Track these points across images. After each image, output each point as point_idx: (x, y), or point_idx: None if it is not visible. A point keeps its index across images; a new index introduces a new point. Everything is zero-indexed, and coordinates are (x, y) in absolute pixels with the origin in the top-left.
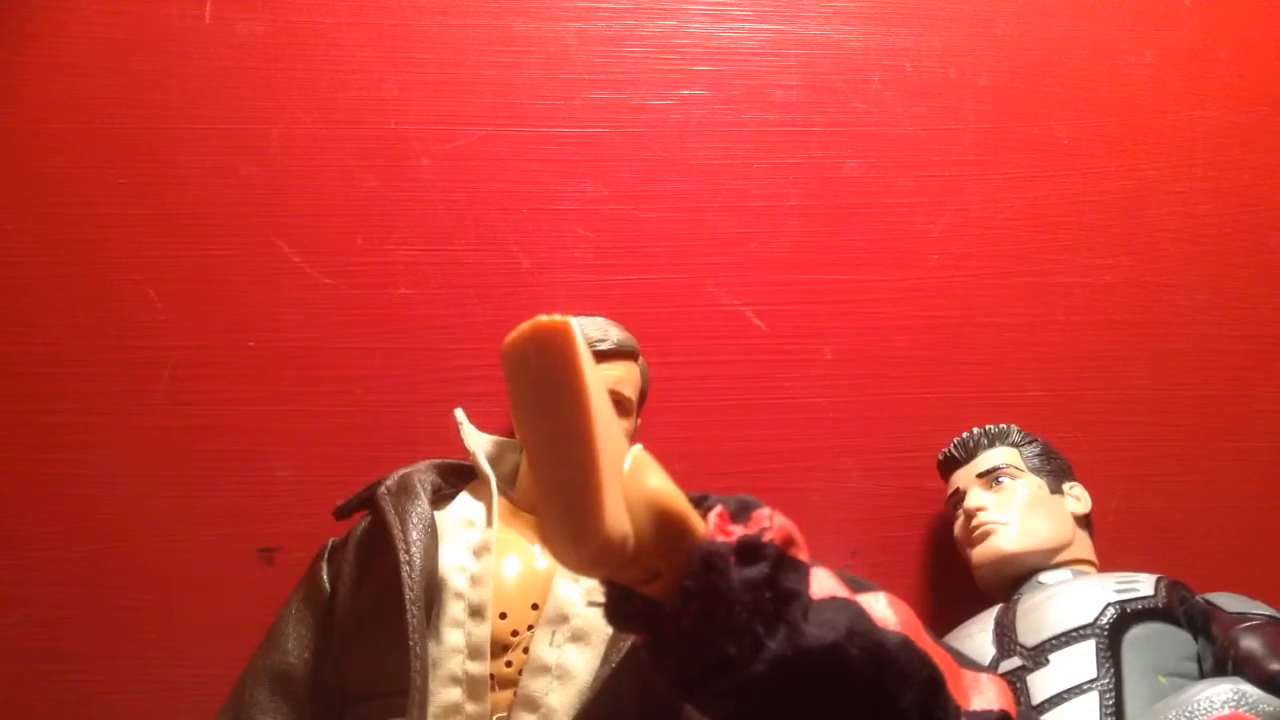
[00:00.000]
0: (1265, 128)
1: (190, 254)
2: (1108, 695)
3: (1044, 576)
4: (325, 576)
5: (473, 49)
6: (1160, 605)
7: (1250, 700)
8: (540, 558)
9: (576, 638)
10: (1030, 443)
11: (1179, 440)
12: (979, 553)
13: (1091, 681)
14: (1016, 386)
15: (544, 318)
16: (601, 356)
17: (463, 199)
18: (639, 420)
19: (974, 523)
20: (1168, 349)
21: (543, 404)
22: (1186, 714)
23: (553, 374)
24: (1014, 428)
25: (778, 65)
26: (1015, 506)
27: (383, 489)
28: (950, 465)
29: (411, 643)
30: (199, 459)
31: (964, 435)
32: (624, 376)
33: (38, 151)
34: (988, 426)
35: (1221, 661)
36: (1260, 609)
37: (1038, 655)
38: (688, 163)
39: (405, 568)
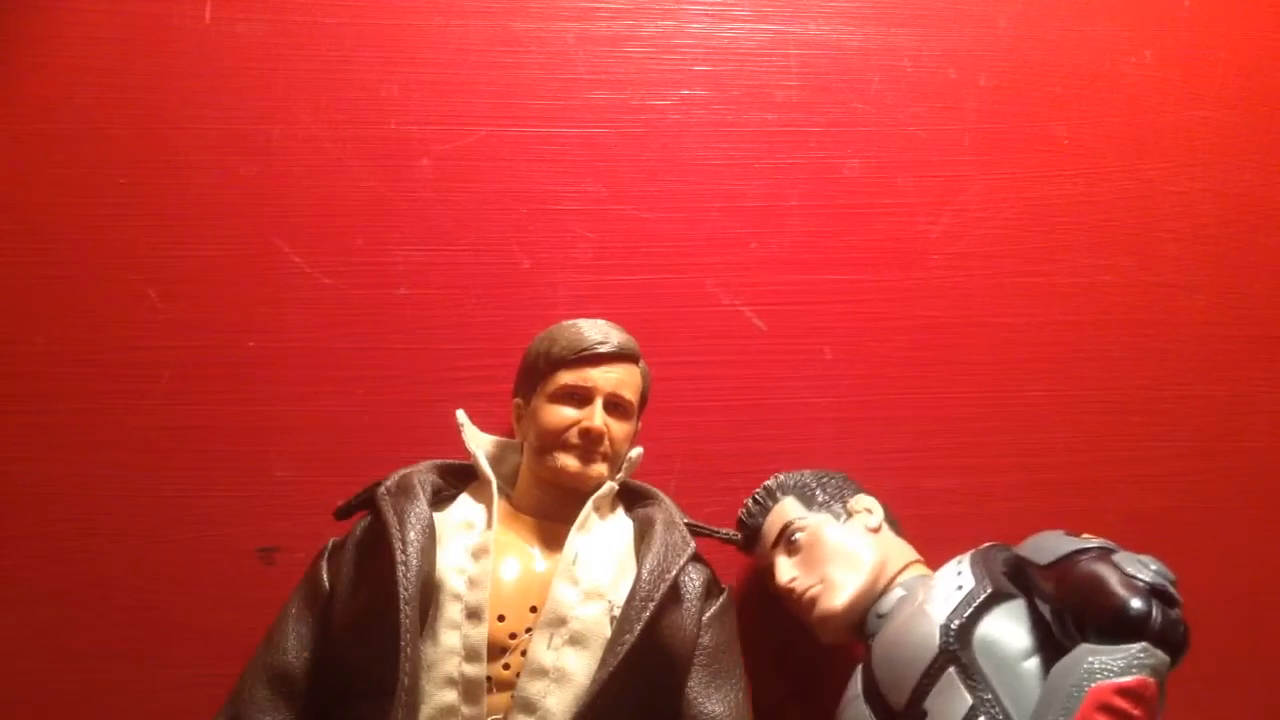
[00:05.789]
0: (1265, 128)
1: (190, 254)
2: (993, 713)
3: (880, 606)
4: (325, 576)
5: (473, 49)
6: (988, 592)
7: (1100, 667)
8: (539, 560)
9: (575, 641)
10: (799, 480)
11: (1179, 440)
12: (814, 620)
13: (973, 710)
14: (1016, 386)
15: None
16: (602, 359)
17: (463, 199)
18: (639, 423)
19: (793, 597)
20: (1168, 349)
21: None
22: (1065, 712)
23: None
24: (779, 475)
25: (778, 65)
26: (819, 562)
27: (382, 489)
28: (749, 545)
29: (403, 643)
30: (199, 459)
31: (740, 514)
32: (625, 379)
33: (38, 151)
34: (755, 493)
35: (1060, 615)
36: (1062, 542)
37: (914, 711)
38: (688, 163)
39: (401, 568)
